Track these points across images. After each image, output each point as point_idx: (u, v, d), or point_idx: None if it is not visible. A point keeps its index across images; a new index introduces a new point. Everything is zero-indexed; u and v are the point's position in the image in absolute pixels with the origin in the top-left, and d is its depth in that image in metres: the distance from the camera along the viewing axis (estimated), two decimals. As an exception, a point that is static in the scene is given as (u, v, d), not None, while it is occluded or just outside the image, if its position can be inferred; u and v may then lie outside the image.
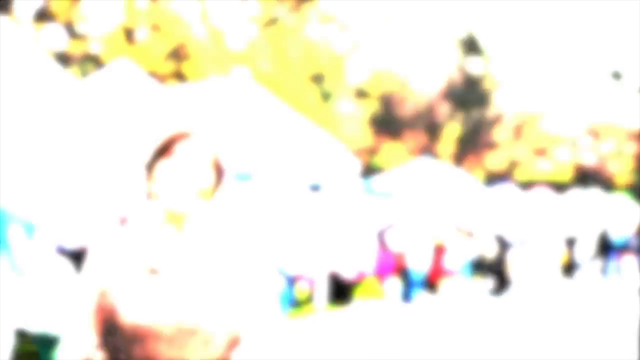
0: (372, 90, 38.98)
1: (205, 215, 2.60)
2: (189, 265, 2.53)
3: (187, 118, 2.34)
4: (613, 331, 14.98)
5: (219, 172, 2.55)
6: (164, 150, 2.49)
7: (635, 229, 11.41)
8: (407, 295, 17.44)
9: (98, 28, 24.34)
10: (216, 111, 9.48)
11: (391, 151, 42.14)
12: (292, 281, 15.85)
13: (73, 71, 22.92)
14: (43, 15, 20.11)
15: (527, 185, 47.37)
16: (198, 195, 2.51)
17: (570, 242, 21.69)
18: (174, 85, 21.23)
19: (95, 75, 14.77)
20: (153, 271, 2.51)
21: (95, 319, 2.55)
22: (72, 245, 9.00)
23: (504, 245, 20.60)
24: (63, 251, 9.91)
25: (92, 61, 24.58)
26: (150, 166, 2.50)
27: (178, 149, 2.48)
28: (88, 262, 2.60)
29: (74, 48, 21.20)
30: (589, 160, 45.84)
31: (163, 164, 2.48)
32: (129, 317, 2.48)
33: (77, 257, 10.15)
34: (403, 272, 17.49)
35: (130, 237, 2.56)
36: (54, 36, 26.70)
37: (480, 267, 21.24)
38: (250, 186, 14.20)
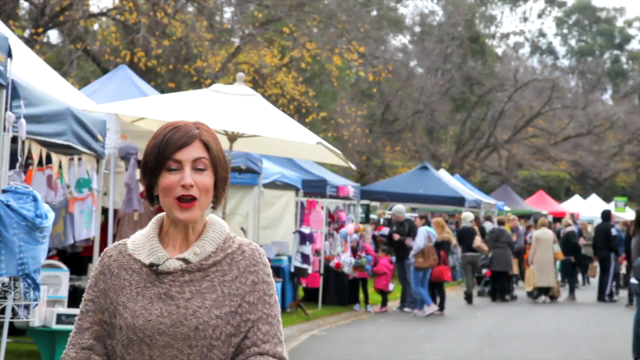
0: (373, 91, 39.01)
1: (208, 218, 2.52)
2: (190, 270, 2.44)
3: (188, 122, 2.27)
4: (610, 330, 15.00)
5: (222, 175, 2.48)
6: (166, 156, 2.41)
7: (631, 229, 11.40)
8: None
9: (97, 28, 24.36)
10: (217, 113, 9.49)
11: (391, 152, 42.14)
12: (292, 280, 15.87)
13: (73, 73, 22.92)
14: (43, 17, 20.11)
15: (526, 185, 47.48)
16: (201, 200, 2.42)
17: (570, 241, 21.64)
18: (173, 89, 21.23)
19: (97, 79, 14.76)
20: (155, 272, 2.43)
21: (94, 319, 2.48)
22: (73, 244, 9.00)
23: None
24: (64, 250, 9.94)
25: (92, 62, 24.61)
26: (152, 172, 2.43)
27: (180, 155, 2.41)
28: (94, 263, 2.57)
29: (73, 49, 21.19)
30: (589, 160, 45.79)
31: (166, 169, 2.41)
32: (126, 319, 2.40)
33: (77, 257, 10.18)
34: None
35: (133, 240, 2.52)
36: (53, 37, 26.74)
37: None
38: (251, 187, 14.22)
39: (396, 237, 17.14)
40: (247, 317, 2.43)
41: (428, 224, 17.15)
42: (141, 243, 2.48)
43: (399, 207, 17.95)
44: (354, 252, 16.95)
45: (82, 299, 2.52)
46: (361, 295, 17.34)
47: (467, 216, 19.75)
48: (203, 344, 2.37)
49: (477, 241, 19.22)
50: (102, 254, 2.54)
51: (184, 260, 2.43)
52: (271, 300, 2.48)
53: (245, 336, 2.42)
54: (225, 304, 2.40)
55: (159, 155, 2.41)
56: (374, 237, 20.95)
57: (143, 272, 2.44)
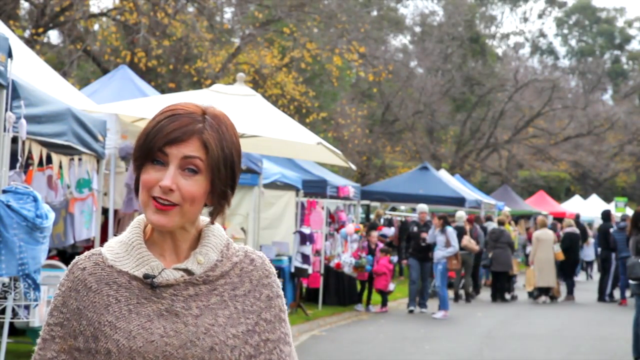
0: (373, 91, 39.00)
1: (202, 222, 2.12)
2: (195, 283, 2.06)
3: (196, 109, 2.08)
4: (609, 329, 15.01)
5: (220, 187, 2.06)
6: (152, 147, 1.99)
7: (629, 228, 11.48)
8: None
9: (97, 28, 24.37)
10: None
11: (391, 152, 42.14)
12: (293, 280, 15.87)
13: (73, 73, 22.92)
14: (43, 17, 20.13)
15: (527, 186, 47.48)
16: (183, 208, 2.01)
17: (570, 241, 21.63)
18: (173, 89, 21.23)
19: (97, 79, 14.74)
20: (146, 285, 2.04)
21: (63, 346, 2.06)
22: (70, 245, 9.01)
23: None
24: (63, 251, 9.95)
25: (92, 62, 24.61)
26: (137, 163, 2.03)
27: (169, 149, 1.99)
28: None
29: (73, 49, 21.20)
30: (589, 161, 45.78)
31: (150, 160, 2.00)
32: (117, 341, 1.99)
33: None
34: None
35: (109, 248, 2.10)
36: (54, 38, 26.75)
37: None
38: (251, 188, 14.22)
39: (425, 236, 17.13)
40: (267, 336, 2.09)
41: (448, 224, 17.15)
42: (122, 252, 2.07)
43: (425, 206, 18.07)
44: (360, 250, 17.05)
45: (45, 323, 2.10)
46: (364, 295, 17.36)
47: (461, 215, 19.82)
48: None
49: (465, 240, 19.34)
50: (70, 267, 2.10)
51: (186, 271, 2.05)
52: (286, 317, 2.18)
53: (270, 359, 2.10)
54: (241, 321, 2.06)
55: (145, 144, 2.00)
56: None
57: (133, 286, 2.03)
